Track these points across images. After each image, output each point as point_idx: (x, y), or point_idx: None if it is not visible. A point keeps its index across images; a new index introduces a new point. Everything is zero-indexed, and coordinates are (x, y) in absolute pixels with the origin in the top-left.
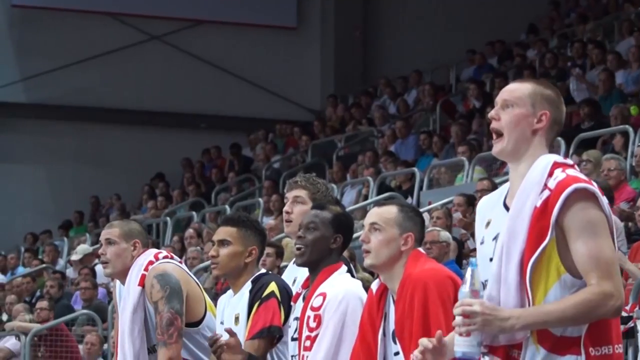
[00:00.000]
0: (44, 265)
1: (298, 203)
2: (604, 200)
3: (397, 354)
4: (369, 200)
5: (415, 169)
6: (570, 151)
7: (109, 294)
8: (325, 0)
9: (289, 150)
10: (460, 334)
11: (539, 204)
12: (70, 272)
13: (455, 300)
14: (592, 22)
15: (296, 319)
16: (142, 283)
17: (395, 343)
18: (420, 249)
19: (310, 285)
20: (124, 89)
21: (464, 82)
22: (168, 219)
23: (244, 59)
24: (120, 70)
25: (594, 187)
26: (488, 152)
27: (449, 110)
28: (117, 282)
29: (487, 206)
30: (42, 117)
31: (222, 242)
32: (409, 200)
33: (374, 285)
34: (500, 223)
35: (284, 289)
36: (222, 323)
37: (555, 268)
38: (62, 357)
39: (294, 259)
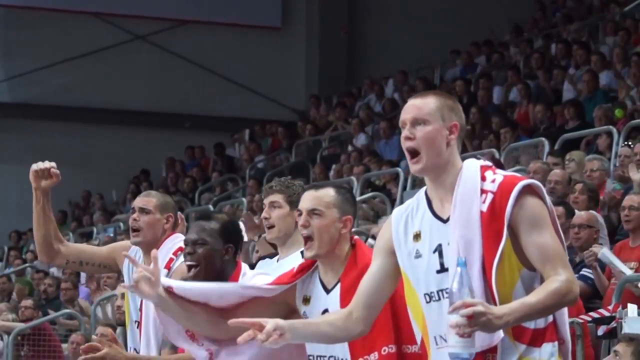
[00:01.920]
0: (26, 265)
1: (275, 208)
2: (544, 190)
3: None
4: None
5: (399, 169)
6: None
7: (92, 294)
8: (310, 1)
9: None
10: (462, 335)
11: (484, 208)
12: (54, 271)
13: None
14: (577, 23)
15: None
16: (168, 266)
17: None
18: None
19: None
20: (108, 89)
21: (448, 82)
22: None
23: (229, 59)
24: (105, 70)
25: (537, 182)
26: (470, 153)
27: None
28: (133, 247)
29: (407, 218)
30: (27, 116)
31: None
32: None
33: (297, 264)
34: (438, 235)
35: None
36: None
37: (515, 266)
38: (45, 357)
39: (277, 257)
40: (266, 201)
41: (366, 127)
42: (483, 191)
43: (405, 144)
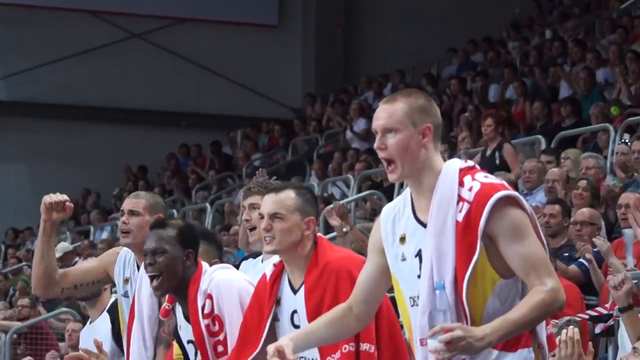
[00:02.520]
0: (23, 263)
1: (255, 209)
2: (525, 201)
3: None
4: (350, 198)
5: None
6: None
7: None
8: None
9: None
10: None
11: (460, 218)
12: None
13: None
14: (573, 20)
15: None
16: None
17: (295, 327)
18: (321, 234)
19: (180, 301)
20: (105, 87)
21: (445, 79)
22: None
23: (226, 57)
24: (102, 68)
25: (512, 191)
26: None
27: None
28: (122, 252)
29: (394, 218)
30: (24, 114)
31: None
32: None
33: (268, 271)
34: (419, 239)
35: None
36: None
37: (490, 279)
38: (43, 355)
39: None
40: (245, 203)
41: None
42: (460, 199)
43: (379, 154)
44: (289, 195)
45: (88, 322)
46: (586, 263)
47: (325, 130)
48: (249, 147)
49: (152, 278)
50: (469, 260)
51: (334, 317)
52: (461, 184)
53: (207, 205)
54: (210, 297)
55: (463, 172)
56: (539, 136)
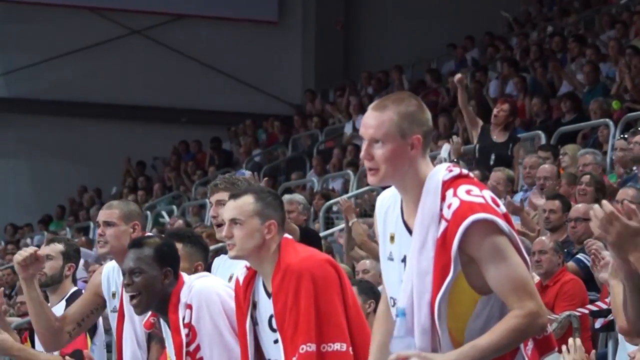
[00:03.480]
0: None
1: (221, 205)
2: (502, 221)
3: (276, 341)
4: (351, 194)
5: None
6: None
7: None
8: None
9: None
10: None
11: (439, 236)
12: None
13: (337, 281)
14: (573, 15)
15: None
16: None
17: (273, 331)
18: (287, 235)
19: (162, 316)
20: (105, 84)
21: (445, 75)
22: (148, 212)
23: (225, 53)
24: (102, 64)
25: (490, 213)
26: (470, 146)
27: (430, 104)
28: (105, 268)
29: (386, 211)
30: (24, 111)
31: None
32: None
33: (241, 275)
34: (405, 245)
35: None
36: None
37: (469, 298)
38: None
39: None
40: (212, 199)
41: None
42: (441, 216)
43: (365, 163)
44: (246, 201)
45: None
46: (585, 260)
47: (325, 126)
48: (249, 143)
49: (131, 297)
50: (443, 282)
51: (384, 325)
52: (443, 198)
53: (207, 201)
54: (190, 307)
55: (446, 185)
56: (539, 132)
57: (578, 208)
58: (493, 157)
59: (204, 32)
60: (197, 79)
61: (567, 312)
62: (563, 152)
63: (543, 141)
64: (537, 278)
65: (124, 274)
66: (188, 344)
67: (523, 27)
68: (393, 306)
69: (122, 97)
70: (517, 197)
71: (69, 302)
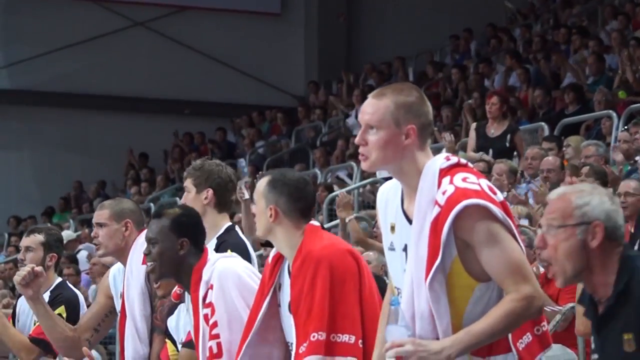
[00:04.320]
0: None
1: (187, 192)
2: (495, 207)
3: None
4: (353, 185)
5: None
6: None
7: (93, 280)
8: None
9: (272, 136)
10: None
11: (431, 220)
12: None
13: (356, 272)
14: (576, 7)
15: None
16: (144, 262)
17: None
18: (314, 222)
19: (187, 290)
20: (108, 75)
21: (449, 66)
22: (152, 204)
23: (228, 45)
24: (105, 56)
25: (483, 199)
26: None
27: (432, 96)
28: (112, 270)
29: (387, 201)
30: (27, 103)
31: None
32: None
33: (271, 254)
34: (406, 235)
35: None
36: (183, 345)
37: (466, 284)
38: None
39: None
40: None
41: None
42: (436, 202)
43: (359, 149)
44: (260, 183)
45: None
46: None
47: (328, 117)
48: (252, 135)
49: (149, 266)
50: (433, 263)
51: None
52: (439, 185)
53: None
54: (211, 287)
55: (443, 172)
56: (542, 123)
57: None
58: (490, 152)
59: (206, 23)
60: (199, 71)
61: (572, 304)
62: (566, 143)
63: (546, 132)
64: (541, 270)
65: (147, 243)
66: (207, 321)
67: (526, 19)
68: (398, 295)
69: (125, 89)
70: (521, 190)
71: (54, 293)
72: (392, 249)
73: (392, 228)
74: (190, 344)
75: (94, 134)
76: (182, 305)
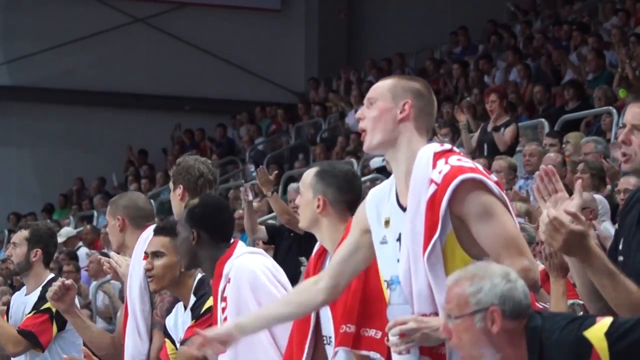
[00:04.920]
0: None
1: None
2: (491, 182)
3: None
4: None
5: None
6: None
7: (92, 277)
8: None
9: (272, 132)
10: (400, 353)
11: (428, 197)
12: (56, 255)
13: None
14: (578, 3)
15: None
16: (145, 257)
17: None
18: None
19: (210, 278)
20: (108, 72)
21: (449, 63)
22: (152, 201)
23: (228, 42)
24: (105, 53)
25: (479, 174)
26: (471, 134)
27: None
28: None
29: (379, 201)
30: (27, 99)
31: (156, 254)
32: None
33: (315, 248)
34: (400, 223)
35: None
36: (181, 343)
37: (460, 260)
38: None
39: None
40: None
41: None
42: (431, 180)
43: (359, 125)
44: (308, 173)
45: (24, 291)
46: None
47: (328, 114)
48: (252, 131)
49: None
50: (430, 240)
51: (296, 291)
52: (434, 166)
53: None
54: (229, 281)
55: (438, 155)
56: (542, 119)
57: (578, 182)
58: (485, 147)
59: (207, 20)
60: (200, 67)
61: (571, 301)
62: (565, 140)
63: (546, 129)
64: (541, 267)
65: None
66: (224, 320)
67: (527, 15)
68: (387, 288)
69: (126, 85)
70: (517, 187)
71: (45, 289)
72: (384, 242)
73: (387, 222)
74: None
75: (95, 130)
76: (179, 303)
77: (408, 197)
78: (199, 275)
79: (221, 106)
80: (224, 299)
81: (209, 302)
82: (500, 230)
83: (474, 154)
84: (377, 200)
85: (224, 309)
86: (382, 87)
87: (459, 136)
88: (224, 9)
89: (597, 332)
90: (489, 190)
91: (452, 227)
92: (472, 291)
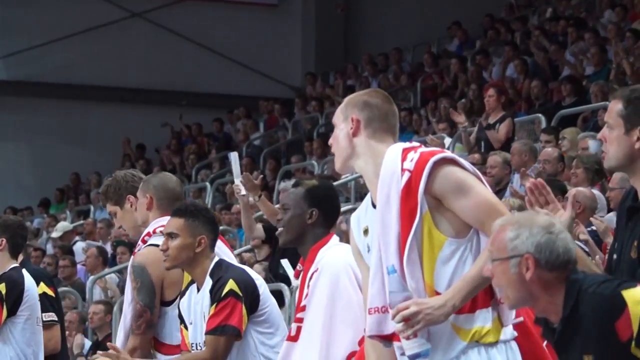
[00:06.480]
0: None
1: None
2: (464, 161)
3: None
4: (350, 177)
5: None
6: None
7: (89, 272)
8: None
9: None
10: (408, 338)
11: (402, 185)
12: (52, 249)
13: None
14: None
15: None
16: (143, 240)
17: None
18: None
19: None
20: (105, 66)
21: (445, 58)
22: None
23: (226, 36)
24: (102, 47)
25: (451, 154)
26: (470, 129)
27: (429, 87)
28: None
29: (360, 214)
30: (24, 94)
31: (171, 235)
32: None
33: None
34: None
35: (243, 283)
36: (190, 323)
37: (437, 241)
38: None
39: None
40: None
41: None
42: (402, 170)
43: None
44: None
45: None
46: (582, 245)
47: (325, 109)
48: (249, 126)
49: (279, 231)
50: (411, 224)
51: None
52: (404, 159)
53: (207, 184)
54: (316, 270)
55: (407, 150)
56: (539, 115)
57: (571, 191)
58: (482, 143)
59: (204, 14)
60: (197, 62)
61: None
62: (562, 136)
63: (543, 124)
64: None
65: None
66: (302, 308)
67: (524, 10)
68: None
69: (123, 80)
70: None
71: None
72: (368, 250)
73: (365, 231)
74: (214, 331)
75: (91, 125)
76: (192, 286)
77: (378, 188)
78: (217, 258)
79: (218, 101)
80: (307, 286)
81: (229, 285)
82: (480, 200)
83: (472, 152)
84: (358, 215)
85: (306, 296)
86: (337, 111)
87: (456, 130)
88: (221, 3)
89: (636, 295)
90: (462, 166)
91: (428, 207)
92: (510, 237)
